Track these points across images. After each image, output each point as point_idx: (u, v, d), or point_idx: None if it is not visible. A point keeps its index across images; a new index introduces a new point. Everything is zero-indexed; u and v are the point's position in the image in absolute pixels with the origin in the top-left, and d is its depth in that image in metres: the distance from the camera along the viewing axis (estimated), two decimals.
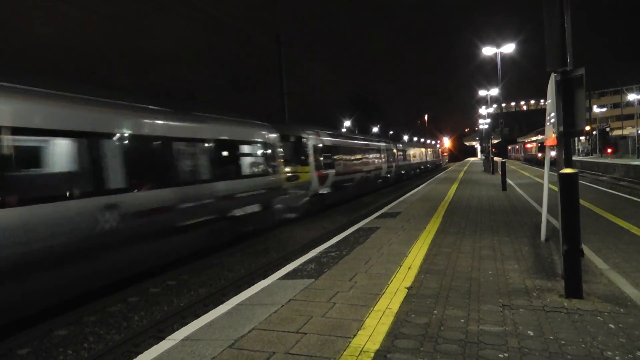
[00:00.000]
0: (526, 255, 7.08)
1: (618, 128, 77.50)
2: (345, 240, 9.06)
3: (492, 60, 31.78)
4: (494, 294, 5.26)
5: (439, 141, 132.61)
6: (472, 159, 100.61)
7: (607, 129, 62.46)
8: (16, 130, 6.16)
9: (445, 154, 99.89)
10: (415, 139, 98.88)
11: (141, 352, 4.35)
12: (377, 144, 31.03)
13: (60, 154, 6.94)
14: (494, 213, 12.16)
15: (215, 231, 10.50)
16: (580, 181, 5.20)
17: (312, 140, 17.70)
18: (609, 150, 51.62)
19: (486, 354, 3.72)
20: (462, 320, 4.47)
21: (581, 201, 5.83)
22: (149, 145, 8.83)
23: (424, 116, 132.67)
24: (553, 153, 6.56)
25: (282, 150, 14.88)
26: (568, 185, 4.96)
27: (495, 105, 50.98)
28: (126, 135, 8.18)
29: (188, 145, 9.92)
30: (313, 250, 8.28)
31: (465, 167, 48.92)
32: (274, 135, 14.22)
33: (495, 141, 43.93)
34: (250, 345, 4.11)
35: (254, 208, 12.35)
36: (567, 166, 5.06)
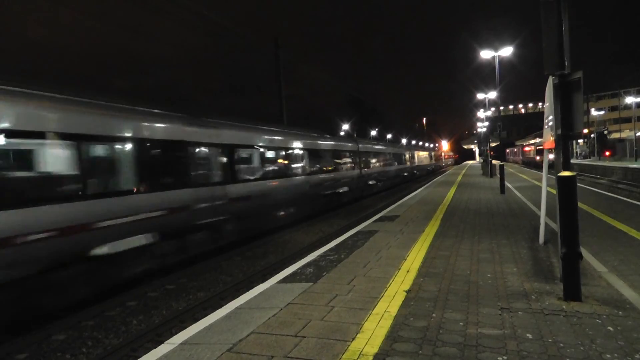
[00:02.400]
0: (525, 258, 7.04)
1: (616, 131, 77.43)
2: (344, 243, 9.01)
3: (490, 63, 32.05)
4: (493, 297, 5.23)
5: (437, 144, 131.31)
6: (471, 162, 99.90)
7: (605, 132, 62.48)
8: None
9: (446, 156, 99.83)
10: (413, 142, 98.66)
11: (140, 357, 4.35)
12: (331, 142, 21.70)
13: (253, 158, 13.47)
14: (492, 216, 12.11)
15: (333, 199, 19.94)
16: (578, 184, 5.13)
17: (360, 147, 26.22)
18: (607, 153, 51.67)
19: (485, 357, 3.71)
20: (461, 324, 4.46)
21: (579, 204, 5.76)
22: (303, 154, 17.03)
23: (422, 119, 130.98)
24: (551, 156, 6.51)
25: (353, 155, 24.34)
26: (566, 188, 4.95)
27: (493, 109, 50.70)
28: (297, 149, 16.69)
29: (328, 154, 20.01)
30: (312, 254, 8.23)
31: (464, 170, 48.78)
32: (352, 144, 24.69)
33: (493, 144, 43.94)
34: (249, 349, 4.10)
35: (345, 189, 21.88)
36: (565, 169, 5.07)
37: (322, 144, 19.83)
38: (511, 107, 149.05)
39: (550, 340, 4.03)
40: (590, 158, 55.57)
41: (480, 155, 63.25)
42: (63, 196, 7.21)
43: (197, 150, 10.55)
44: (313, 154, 18.10)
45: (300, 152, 16.75)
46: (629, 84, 78.19)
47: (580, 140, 58.39)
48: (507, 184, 22.66)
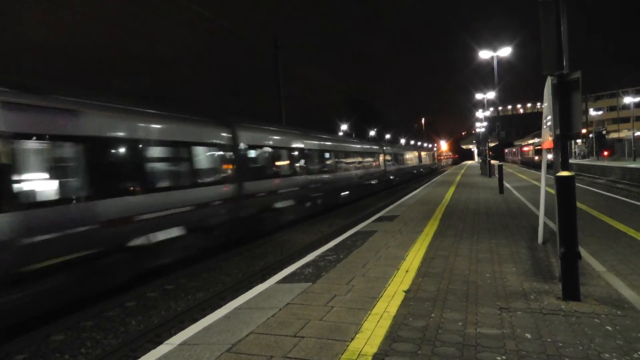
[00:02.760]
0: (523, 258, 7.05)
1: (614, 131, 77.45)
2: (343, 244, 9.00)
3: (489, 63, 31.87)
4: (492, 296, 5.23)
5: (435, 144, 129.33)
6: (470, 162, 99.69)
7: (604, 132, 62.52)
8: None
9: (446, 156, 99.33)
10: (412, 142, 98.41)
11: (139, 357, 4.38)
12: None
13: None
14: (491, 216, 12.07)
15: (369, 188, 26.72)
16: (577, 184, 5.19)
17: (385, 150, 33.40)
18: (606, 153, 51.63)
19: (484, 357, 3.72)
20: (460, 323, 4.45)
21: (578, 204, 5.77)
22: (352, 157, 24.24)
23: (421, 119, 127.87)
24: (550, 156, 6.49)
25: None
26: (565, 188, 4.95)
27: (492, 109, 50.47)
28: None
29: (367, 156, 27.20)
30: (311, 254, 8.22)
31: (463, 170, 48.40)
32: (378, 147, 31.09)
33: (492, 144, 43.73)
34: (248, 349, 4.10)
35: (376, 181, 28.90)
36: (563, 169, 5.06)
37: (363, 148, 27.87)
38: (510, 107, 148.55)
39: (549, 339, 4.03)
40: (588, 158, 55.57)
41: (479, 155, 62.12)
42: (372, 167, 28.04)
43: (309, 153, 17.70)
44: (358, 155, 26.14)
45: (353, 154, 24.91)
46: (627, 84, 78.32)
47: (579, 140, 58.41)
48: (506, 183, 22.60)
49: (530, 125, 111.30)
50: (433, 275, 6.26)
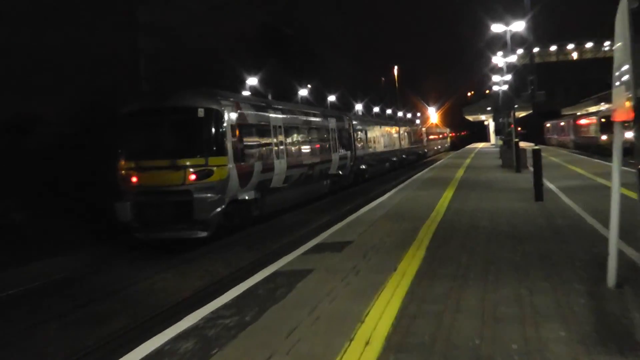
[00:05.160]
0: (580, 314, 5.38)
1: None
2: (251, 294, 6.95)
3: None
4: None
5: (419, 114, 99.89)
6: (481, 145, 72.71)
7: None
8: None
9: (429, 135, 74.37)
10: (376, 110, 79.13)
11: None
12: None
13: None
14: (520, 240, 9.35)
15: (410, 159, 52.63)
16: None
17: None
18: None
19: None
20: None
21: None
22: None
23: (392, 69, 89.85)
24: (628, 135, 6.25)
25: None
26: None
27: (520, 51, 38.78)
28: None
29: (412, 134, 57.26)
30: (193, 314, 6.27)
31: (468, 160, 36.76)
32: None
33: (522, 114, 35.48)
34: None
35: (412, 155, 52.96)
36: None
37: (410, 128, 49.51)
38: (554, 48, 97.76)
39: None
40: None
41: (497, 132, 44.75)
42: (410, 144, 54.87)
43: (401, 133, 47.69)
44: (408, 134, 47.50)
45: (405, 133, 48.23)
46: None
47: None
48: (548, 183, 17.07)
49: (591, 81, 77.64)
50: (414, 350, 4.72)
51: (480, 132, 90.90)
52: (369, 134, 34.73)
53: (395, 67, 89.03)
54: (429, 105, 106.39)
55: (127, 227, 14.64)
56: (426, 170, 31.50)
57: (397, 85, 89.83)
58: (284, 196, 19.90)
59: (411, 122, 72.01)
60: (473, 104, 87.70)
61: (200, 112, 15.20)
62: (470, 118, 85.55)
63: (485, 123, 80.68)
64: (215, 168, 14.73)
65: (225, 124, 15.52)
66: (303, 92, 56.59)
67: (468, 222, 11.59)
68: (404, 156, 46.38)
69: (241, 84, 43.77)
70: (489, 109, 54.24)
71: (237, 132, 16.24)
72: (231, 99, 17.16)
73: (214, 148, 15.05)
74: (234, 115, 16.23)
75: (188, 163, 14.45)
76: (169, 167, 14.49)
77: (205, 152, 14.77)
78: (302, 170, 21.54)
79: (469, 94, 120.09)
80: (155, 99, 16.36)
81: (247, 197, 16.57)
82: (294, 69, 58.16)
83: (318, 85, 59.91)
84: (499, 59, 43.75)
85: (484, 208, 13.50)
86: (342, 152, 27.70)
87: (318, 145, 24.29)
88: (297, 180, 20.75)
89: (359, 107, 73.89)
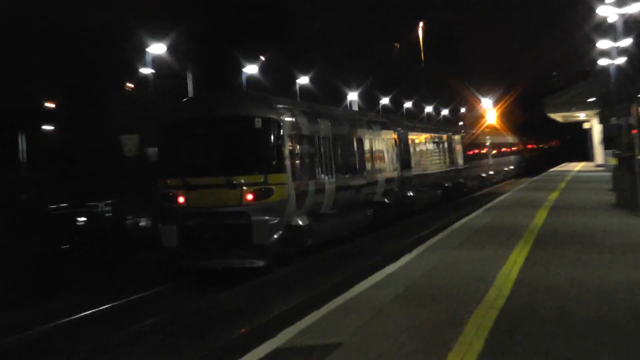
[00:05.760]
0: None
1: None
2: None
3: None
4: None
5: (464, 109, 64.39)
6: (580, 165, 50.43)
7: None
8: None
9: (505, 148, 48.40)
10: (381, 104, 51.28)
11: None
12: None
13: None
14: None
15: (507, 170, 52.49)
16: None
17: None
18: None
19: None
20: None
21: None
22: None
23: (417, 28, 57.71)
24: None
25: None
26: None
27: None
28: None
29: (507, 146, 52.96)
30: None
31: (555, 194, 25.46)
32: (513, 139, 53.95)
33: None
34: None
35: (473, 180, 40.96)
36: None
37: (503, 140, 51.99)
38: None
39: None
40: None
41: (607, 142, 29.23)
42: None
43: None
44: (465, 146, 37.39)
45: (462, 145, 36.95)
46: None
47: None
48: None
49: None
50: None
51: (577, 143, 57.83)
52: (417, 147, 25.26)
53: (420, 24, 55.06)
54: (481, 95, 62.09)
55: (173, 254, 12.62)
56: (480, 211, 21.16)
57: (422, 55, 54.40)
58: (330, 225, 16.12)
59: (465, 126, 49.80)
60: (561, 93, 51.61)
61: (258, 123, 13.28)
62: (557, 117, 52.32)
63: (586, 126, 50.28)
64: (274, 186, 12.86)
65: (284, 136, 13.34)
66: (251, 69, 37.80)
67: (555, 312, 6.50)
68: (461, 180, 32.92)
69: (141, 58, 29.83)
70: (591, 100, 31.77)
71: (294, 145, 14.07)
72: (286, 106, 14.85)
73: (273, 163, 13.14)
74: (290, 125, 14.03)
75: (245, 181, 12.56)
76: (223, 185, 12.82)
77: (264, 168, 12.99)
78: (349, 194, 17.33)
79: (553, 73, 72.30)
80: (203, 107, 14.20)
81: (300, 223, 13.81)
82: (245, 26, 41.22)
83: (284, 56, 37.54)
84: (609, 9, 25.11)
85: (584, 283, 8.17)
86: (390, 172, 20.92)
87: (367, 162, 19.10)
88: (343, 205, 16.81)
89: (352, 96, 45.24)
